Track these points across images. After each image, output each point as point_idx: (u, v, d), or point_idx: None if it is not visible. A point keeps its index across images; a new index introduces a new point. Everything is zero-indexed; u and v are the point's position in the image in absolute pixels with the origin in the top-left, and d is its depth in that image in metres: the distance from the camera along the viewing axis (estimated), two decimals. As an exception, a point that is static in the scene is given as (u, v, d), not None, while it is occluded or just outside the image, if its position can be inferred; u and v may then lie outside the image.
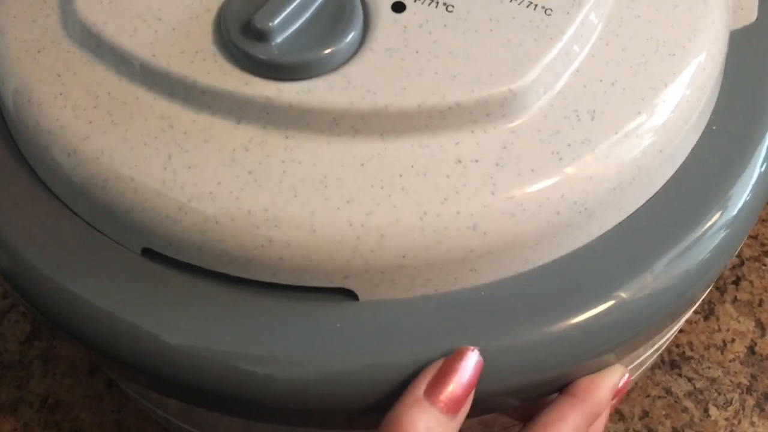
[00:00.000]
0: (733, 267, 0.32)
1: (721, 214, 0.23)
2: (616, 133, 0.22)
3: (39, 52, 0.23)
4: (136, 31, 0.22)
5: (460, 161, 0.21)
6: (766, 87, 0.26)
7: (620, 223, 0.23)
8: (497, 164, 0.21)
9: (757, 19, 0.27)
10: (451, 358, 0.20)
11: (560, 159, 0.21)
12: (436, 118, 0.21)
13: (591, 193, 0.21)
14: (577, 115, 0.22)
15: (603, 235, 0.23)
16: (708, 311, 0.30)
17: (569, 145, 0.21)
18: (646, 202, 0.23)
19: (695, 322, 0.30)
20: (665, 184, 0.24)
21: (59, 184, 0.23)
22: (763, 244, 0.32)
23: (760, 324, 0.30)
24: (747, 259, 0.32)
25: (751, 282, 0.31)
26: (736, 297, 0.31)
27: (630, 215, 0.23)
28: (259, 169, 0.21)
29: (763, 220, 0.33)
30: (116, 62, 0.22)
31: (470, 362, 0.20)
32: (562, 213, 0.21)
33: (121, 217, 0.22)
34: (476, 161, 0.21)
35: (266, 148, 0.21)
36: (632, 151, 0.22)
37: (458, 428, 0.20)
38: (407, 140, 0.21)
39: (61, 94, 0.22)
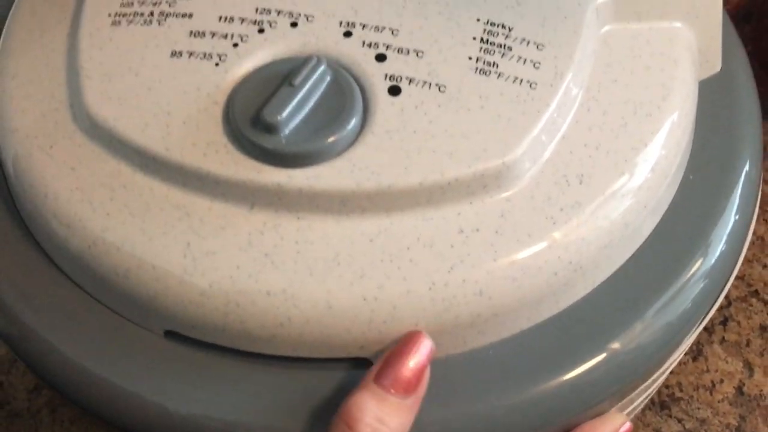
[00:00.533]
0: (721, 308, 0.33)
1: (704, 260, 0.25)
2: (604, 194, 0.23)
3: (51, 147, 0.24)
4: (147, 126, 0.23)
5: (462, 231, 0.22)
6: (736, 135, 0.28)
7: (611, 275, 0.25)
8: (497, 232, 0.23)
9: (721, 69, 0.29)
10: (399, 343, 0.22)
11: (554, 223, 0.23)
12: (437, 193, 0.22)
13: (584, 253, 0.23)
14: (567, 180, 0.23)
15: (596, 288, 0.24)
16: (696, 352, 0.32)
17: (561, 210, 0.23)
18: (633, 253, 0.25)
19: (684, 363, 0.31)
20: (650, 235, 0.25)
21: (80, 274, 0.24)
22: (749, 285, 0.33)
23: (748, 364, 0.31)
24: (734, 300, 0.33)
25: (738, 322, 0.33)
26: (723, 337, 0.32)
27: (619, 267, 0.25)
28: (274, 251, 0.22)
29: (749, 261, 0.35)
30: (129, 156, 0.23)
31: (418, 345, 0.21)
32: (559, 273, 0.23)
33: (144, 304, 0.23)
34: (477, 230, 0.22)
35: (280, 231, 0.22)
36: (619, 209, 0.24)
37: (415, 408, 0.21)
38: (411, 214, 0.23)
39: (77, 188, 0.24)
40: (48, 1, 0.27)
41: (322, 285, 0.22)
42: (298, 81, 0.22)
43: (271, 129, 0.22)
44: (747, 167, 0.27)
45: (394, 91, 0.23)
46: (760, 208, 0.35)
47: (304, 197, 0.22)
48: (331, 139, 0.22)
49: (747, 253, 0.35)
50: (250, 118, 0.22)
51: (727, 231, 0.26)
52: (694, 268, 0.25)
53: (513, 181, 0.23)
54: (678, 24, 0.27)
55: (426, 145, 0.23)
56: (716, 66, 0.29)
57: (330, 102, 0.23)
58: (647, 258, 0.25)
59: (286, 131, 0.22)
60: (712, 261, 0.25)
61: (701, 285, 0.24)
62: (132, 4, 0.26)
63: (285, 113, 0.22)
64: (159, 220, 0.23)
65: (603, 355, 0.23)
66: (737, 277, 0.34)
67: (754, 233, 0.35)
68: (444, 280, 0.22)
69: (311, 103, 0.23)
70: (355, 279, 0.22)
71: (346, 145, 0.23)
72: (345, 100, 0.23)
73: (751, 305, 0.33)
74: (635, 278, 0.25)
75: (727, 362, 0.32)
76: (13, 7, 0.28)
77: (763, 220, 0.35)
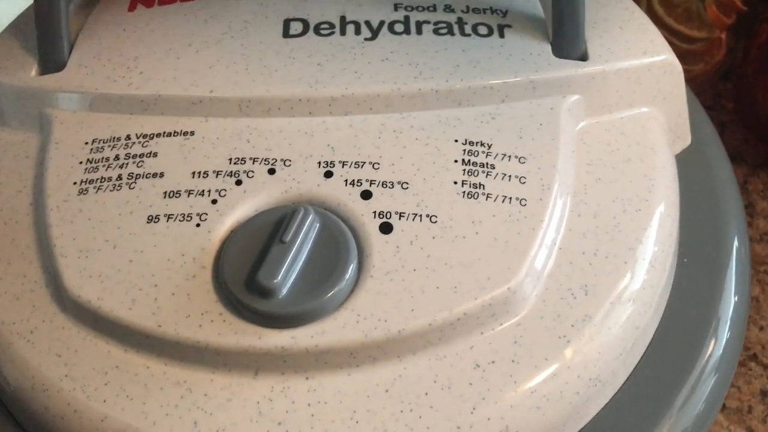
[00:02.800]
0: None
1: (715, 343, 0.25)
2: (610, 302, 0.23)
3: (31, 332, 0.23)
4: (134, 303, 0.22)
5: (478, 365, 0.22)
6: (719, 207, 0.28)
7: (627, 378, 0.24)
8: (513, 360, 0.22)
9: (691, 143, 0.29)
10: None
11: (568, 341, 0.22)
12: (448, 330, 0.22)
13: (602, 366, 0.23)
14: (572, 294, 0.23)
15: (615, 394, 0.24)
16: None
17: (572, 325, 0.23)
18: (645, 350, 0.25)
19: None
20: (657, 328, 0.25)
21: (81, 466, 0.22)
22: (747, 348, 0.33)
23: None
24: None
25: (738, 388, 0.32)
26: (725, 405, 0.32)
27: (635, 367, 0.24)
28: (287, 418, 0.21)
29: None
30: (119, 335, 0.22)
31: None
32: (581, 392, 0.22)
33: (156, 492, 0.21)
34: (493, 362, 0.22)
35: (290, 395, 0.21)
36: (628, 313, 0.23)
37: None
38: (424, 356, 0.22)
39: (66, 375, 0.22)
40: (2, 170, 0.26)
41: (345, 448, 0.21)
42: (288, 237, 0.22)
43: (268, 293, 0.21)
44: (737, 243, 0.27)
45: (386, 228, 0.23)
46: (754, 269, 0.36)
47: (310, 357, 0.21)
48: (331, 293, 0.21)
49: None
50: (244, 282, 0.21)
51: (730, 313, 0.25)
52: (706, 356, 0.25)
53: (520, 304, 0.22)
54: (647, 109, 0.27)
55: (428, 282, 0.22)
56: (687, 140, 0.29)
57: (323, 251, 0.22)
58: (659, 351, 0.25)
59: (284, 292, 0.21)
60: (723, 340, 0.25)
61: (721, 362, 0.24)
62: (97, 168, 0.25)
63: (281, 275, 0.21)
64: (161, 401, 0.21)
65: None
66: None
67: (748, 294, 0.36)
68: (468, 422, 0.21)
69: (304, 256, 0.22)
70: (377, 436, 0.21)
71: (346, 295, 0.22)
72: (339, 248, 0.22)
73: (750, 369, 0.33)
74: (652, 374, 0.24)
75: (730, 431, 0.31)
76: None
77: (757, 281, 0.36)
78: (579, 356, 0.22)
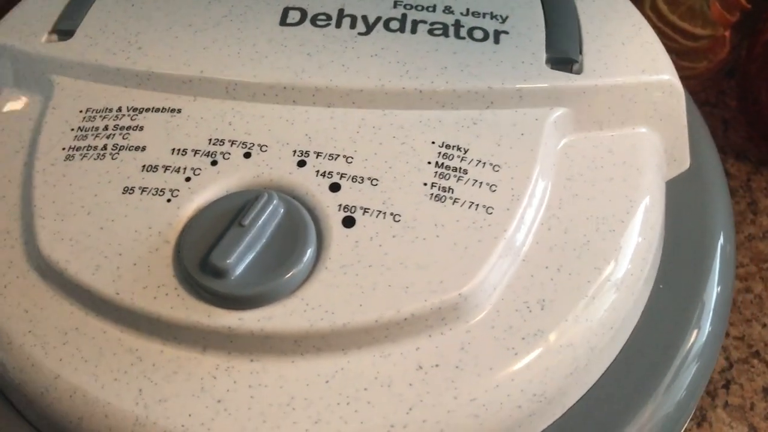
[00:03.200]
0: (722, 370, 0.32)
1: (676, 374, 0.25)
2: (567, 320, 0.23)
3: (5, 287, 0.24)
4: (98, 269, 0.23)
5: (421, 367, 0.22)
6: (706, 235, 0.27)
7: (581, 397, 0.24)
8: (457, 367, 0.22)
9: (690, 166, 0.29)
10: None
11: (516, 354, 0.22)
12: (394, 329, 0.22)
13: (549, 383, 0.22)
14: (528, 307, 0.23)
15: (565, 413, 0.23)
16: (700, 418, 0.31)
17: (523, 339, 0.22)
18: (602, 373, 0.24)
19: (689, 430, 0.30)
20: (620, 352, 0.25)
21: (36, 418, 0.23)
22: (750, 346, 0.33)
23: (753, 429, 0.30)
24: (735, 362, 0.32)
25: (741, 385, 0.32)
26: (727, 402, 0.31)
27: (589, 388, 0.24)
28: (227, 396, 0.22)
29: (748, 320, 0.34)
30: (82, 298, 0.23)
31: None
32: (523, 406, 0.22)
33: (98, 452, 0.22)
34: (437, 366, 0.22)
35: (233, 374, 0.22)
36: (584, 334, 0.23)
37: None
38: (369, 352, 0.22)
39: (30, 331, 0.23)
40: (6, 129, 0.27)
41: (277, 432, 0.21)
42: (248, 220, 0.22)
43: (219, 273, 0.21)
44: (717, 275, 0.26)
45: (349, 222, 0.23)
46: (756, 266, 0.35)
47: (256, 340, 0.22)
48: (282, 279, 0.22)
49: (745, 312, 0.34)
50: (200, 261, 0.22)
51: (700, 347, 0.25)
52: (670, 378, 0.24)
53: (472, 310, 0.22)
54: (642, 129, 0.27)
55: (381, 280, 0.22)
56: (684, 163, 0.29)
57: (283, 238, 0.22)
58: (620, 374, 0.24)
59: (236, 273, 0.22)
60: (686, 381, 0.24)
61: (669, 409, 0.24)
62: (86, 137, 0.25)
63: (233, 256, 0.21)
64: (112, 365, 0.22)
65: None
66: (737, 338, 0.33)
67: (751, 291, 0.35)
68: (403, 422, 0.21)
69: (263, 241, 0.22)
70: (310, 425, 0.21)
71: (299, 283, 0.22)
72: (298, 236, 0.22)
73: (753, 367, 0.32)
74: (608, 396, 0.24)
75: (732, 427, 0.31)
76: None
77: (760, 278, 0.35)
78: (525, 370, 0.22)
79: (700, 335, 0.25)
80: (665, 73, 0.27)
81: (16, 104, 0.28)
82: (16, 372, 0.23)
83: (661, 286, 0.26)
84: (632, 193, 0.25)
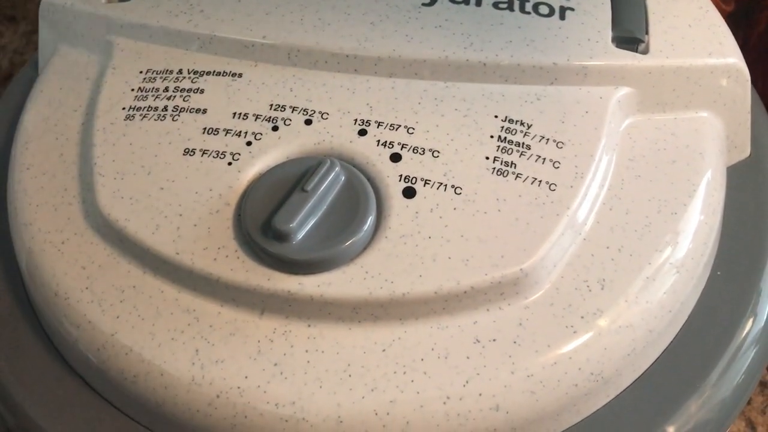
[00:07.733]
0: None
1: (730, 362, 0.24)
2: (626, 300, 0.23)
3: (63, 243, 0.24)
4: (158, 228, 0.23)
5: (478, 341, 0.22)
6: (764, 224, 0.27)
7: (635, 381, 0.24)
8: (515, 342, 0.22)
9: (750, 154, 0.28)
10: None
11: (575, 332, 0.22)
12: (453, 302, 0.22)
13: (606, 363, 0.22)
14: (588, 286, 0.23)
15: (619, 395, 0.23)
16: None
17: (582, 317, 0.22)
18: (658, 357, 0.24)
19: None
20: (675, 336, 0.24)
21: (89, 375, 0.23)
22: None
23: (750, 423, 0.30)
24: None
25: None
26: None
27: (644, 371, 0.24)
28: (284, 360, 0.22)
29: None
30: (140, 257, 0.23)
31: None
32: (580, 384, 0.22)
33: (152, 410, 0.22)
34: (494, 340, 0.22)
35: (290, 339, 0.22)
36: (643, 315, 0.23)
37: None
38: (426, 323, 0.22)
39: (87, 288, 0.23)
40: (64, 88, 0.27)
41: (332, 398, 0.21)
42: (310, 186, 0.22)
43: (281, 237, 0.21)
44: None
45: (409, 192, 0.23)
46: None
47: (314, 305, 0.22)
48: (343, 246, 0.22)
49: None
50: (261, 224, 0.22)
51: (756, 335, 0.24)
52: (717, 374, 0.24)
53: (532, 287, 0.22)
54: (705, 113, 0.26)
55: (441, 251, 0.22)
56: (745, 151, 0.28)
57: (344, 205, 0.22)
58: (674, 359, 0.24)
59: (298, 238, 0.22)
60: (742, 369, 0.24)
61: (725, 393, 0.23)
62: (146, 97, 0.25)
63: (296, 221, 0.21)
64: (169, 325, 0.22)
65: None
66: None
67: None
68: (459, 394, 0.21)
69: (324, 208, 0.22)
70: (366, 392, 0.21)
71: (358, 251, 0.22)
72: (359, 205, 0.22)
73: None
74: (662, 381, 0.24)
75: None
76: (30, 94, 0.28)
77: None
78: (584, 349, 0.22)
79: (756, 323, 0.25)
80: (732, 57, 0.26)
81: (74, 63, 0.28)
82: (72, 328, 0.23)
83: (718, 273, 0.25)
84: (695, 177, 0.25)
